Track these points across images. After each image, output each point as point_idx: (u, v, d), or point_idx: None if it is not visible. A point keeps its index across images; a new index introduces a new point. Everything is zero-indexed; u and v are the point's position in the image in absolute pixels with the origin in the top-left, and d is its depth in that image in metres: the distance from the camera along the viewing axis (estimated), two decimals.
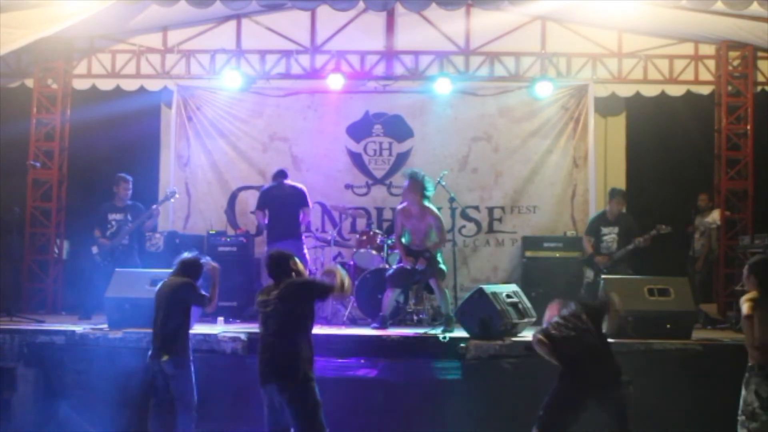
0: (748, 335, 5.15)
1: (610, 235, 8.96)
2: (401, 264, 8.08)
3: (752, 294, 5.14)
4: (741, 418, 5.14)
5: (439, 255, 8.09)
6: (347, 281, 5.42)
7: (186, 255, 6.24)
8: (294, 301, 5.25)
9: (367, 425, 6.73)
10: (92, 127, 9.95)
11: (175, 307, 5.95)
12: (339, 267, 5.53)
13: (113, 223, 8.86)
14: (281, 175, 8.81)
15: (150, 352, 6.00)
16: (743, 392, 5.16)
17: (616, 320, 7.22)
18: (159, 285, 6.19)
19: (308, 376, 5.22)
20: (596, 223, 9.12)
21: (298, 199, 8.64)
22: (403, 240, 8.12)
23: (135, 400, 6.62)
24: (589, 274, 9.00)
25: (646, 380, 6.74)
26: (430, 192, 8.07)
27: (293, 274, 5.40)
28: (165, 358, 5.85)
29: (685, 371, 6.81)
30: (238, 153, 10.34)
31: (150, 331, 6.93)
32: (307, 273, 5.67)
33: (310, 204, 8.85)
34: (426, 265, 7.88)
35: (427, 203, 8.04)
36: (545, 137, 10.22)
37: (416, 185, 7.96)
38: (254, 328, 7.25)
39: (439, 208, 8.60)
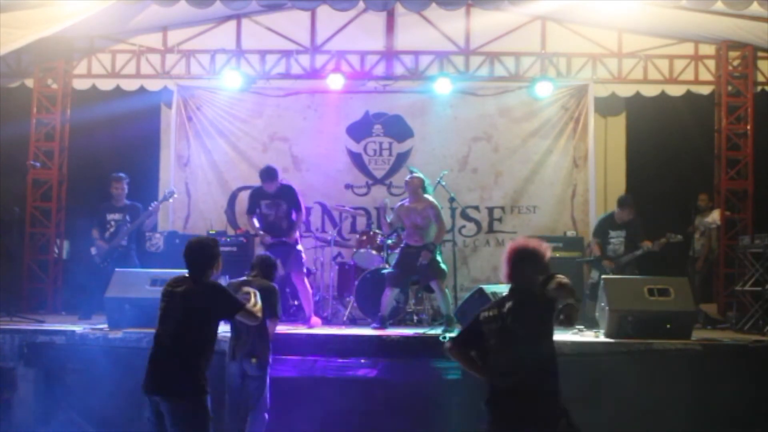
0: None
1: (618, 238, 8.93)
2: (396, 264, 8.12)
3: None
4: None
5: (439, 255, 8.10)
6: (259, 305, 5.03)
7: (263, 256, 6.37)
8: (203, 304, 4.66)
9: (367, 425, 6.73)
10: (92, 127, 9.95)
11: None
12: (255, 291, 5.20)
13: (112, 223, 8.84)
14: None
15: (232, 353, 5.95)
16: None
17: (615, 320, 7.24)
18: (236, 283, 6.00)
19: (203, 389, 4.62)
20: (604, 226, 9.09)
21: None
22: (402, 235, 8.23)
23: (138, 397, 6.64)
24: (594, 274, 8.99)
25: (646, 380, 6.76)
26: (429, 191, 8.22)
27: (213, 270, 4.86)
28: (254, 360, 5.89)
29: (685, 371, 6.81)
30: (238, 153, 10.34)
31: (150, 330, 6.95)
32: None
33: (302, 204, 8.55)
34: (427, 263, 7.90)
35: (426, 195, 8.12)
36: (545, 137, 10.22)
37: (416, 179, 8.12)
38: None
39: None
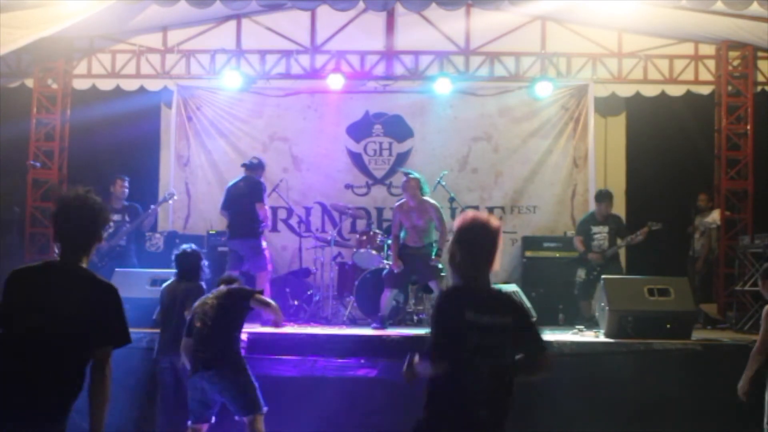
0: None
1: (601, 234, 8.98)
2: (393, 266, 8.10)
3: None
4: None
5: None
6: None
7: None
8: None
9: (367, 425, 6.73)
10: (92, 127, 9.94)
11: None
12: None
13: (111, 224, 8.83)
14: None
15: (158, 349, 6.16)
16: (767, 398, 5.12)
17: (615, 320, 7.24)
18: (166, 284, 6.33)
19: None
20: (586, 224, 9.14)
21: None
22: (401, 237, 8.15)
23: (138, 397, 6.64)
24: (581, 272, 8.99)
25: (646, 380, 6.76)
26: (426, 190, 8.17)
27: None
28: (183, 360, 5.96)
29: (685, 371, 6.81)
30: (238, 153, 10.32)
31: (150, 330, 6.97)
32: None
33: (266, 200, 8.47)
34: (428, 266, 7.91)
35: (425, 197, 8.09)
36: (545, 137, 10.22)
37: (413, 180, 8.06)
38: (252, 327, 7.26)
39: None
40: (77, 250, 3.49)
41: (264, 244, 8.35)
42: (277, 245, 10.16)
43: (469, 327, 3.26)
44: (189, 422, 5.59)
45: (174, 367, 6.07)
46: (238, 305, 5.69)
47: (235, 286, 5.89)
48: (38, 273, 3.50)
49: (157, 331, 6.90)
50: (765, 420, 5.12)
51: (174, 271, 6.36)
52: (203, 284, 6.23)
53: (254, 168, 8.47)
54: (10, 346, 3.34)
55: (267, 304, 5.80)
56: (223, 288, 5.80)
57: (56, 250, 3.55)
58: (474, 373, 3.26)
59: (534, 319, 7.57)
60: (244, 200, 8.24)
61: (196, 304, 5.72)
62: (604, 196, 9.08)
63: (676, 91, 10.14)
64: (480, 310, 3.28)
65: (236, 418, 5.60)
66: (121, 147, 10.10)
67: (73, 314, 3.35)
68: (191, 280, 6.17)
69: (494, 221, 3.42)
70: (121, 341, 3.50)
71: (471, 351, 3.24)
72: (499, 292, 3.52)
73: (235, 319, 5.69)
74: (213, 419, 5.68)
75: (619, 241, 8.86)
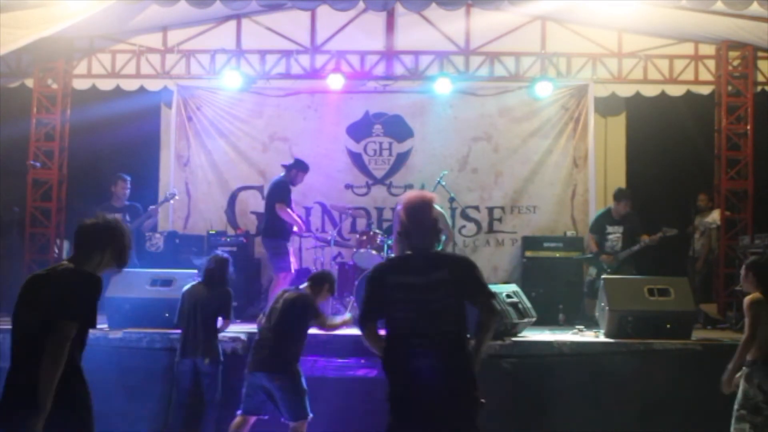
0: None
1: (615, 234, 8.95)
2: None
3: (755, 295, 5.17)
4: (741, 412, 5.11)
5: None
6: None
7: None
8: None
9: (367, 425, 6.72)
10: (92, 127, 9.93)
11: (213, 313, 6.20)
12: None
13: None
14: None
15: (179, 351, 6.20)
16: (743, 386, 5.15)
17: (615, 320, 7.24)
18: (188, 287, 6.35)
19: None
20: (601, 222, 9.10)
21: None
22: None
23: (138, 396, 6.65)
24: (592, 271, 9.00)
25: (646, 380, 6.77)
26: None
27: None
28: (207, 360, 6.07)
29: (685, 371, 6.81)
30: (238, 153, 10.34)
31: (150, 330, 6.97)
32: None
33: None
34: None
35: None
36: (545, 137, 10.23)
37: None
38: (254, 327, 7.26)
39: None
40: (78, 255, 3.76)
41: (288, 245, 8.33)
42: None
43: (392, 288, 3.80)
44: (239, 411, 5.75)
45: (195, 369, 6.10)
46: (302, 319, 5.76)
47: (304, 292, 5.92)
48: (41, 274, 3.74)
49: (158, 330, 6.95)
50: (736, 406, 5.14)
51: (177, 271, 6.40)
52: (231, 290, 6.34)
53: (287, 168, 8.49)
54: (12, 342, 3.61)
55: (326, 328, 5.98)
56: (293, 293, 5.88)
57: (56, 250, 3.79)
58: (403, 324, 3.76)
59: (534, 318, 7.64)
60: (268, 200, 8.31)
61: (270, 303, 5.92)
62: (622, 195, 9.01)
63: (676, 91, 10.14)
64: (406, 272, 3.82)
65: (282, 419, 5.73)
66: (121, 147, 10.09)
67: (49, 302, 3.54)
68: (219, 285, 6.23)
69: (428, 194, 4.02)
70: (82, 319, 3.59)
71: (396, 308, 3.78)
72: (438, 253, 4.02)
73: (293, 328, 5.77)
74: (265, 414, 5.80)
75: (633, 246, 8.78)
